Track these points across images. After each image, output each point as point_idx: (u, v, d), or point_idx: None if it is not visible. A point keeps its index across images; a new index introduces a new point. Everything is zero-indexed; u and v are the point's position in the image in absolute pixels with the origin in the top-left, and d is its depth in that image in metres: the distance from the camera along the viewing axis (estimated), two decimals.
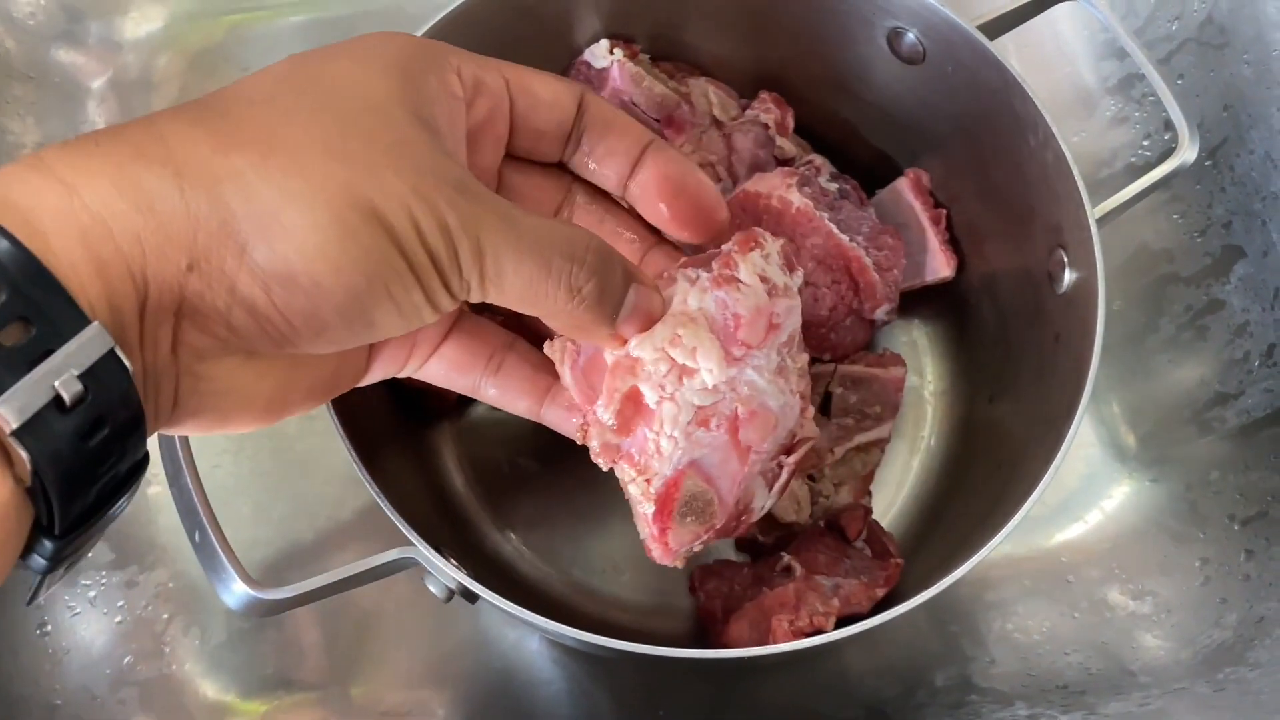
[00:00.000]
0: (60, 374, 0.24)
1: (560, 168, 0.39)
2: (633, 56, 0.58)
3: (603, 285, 0.33)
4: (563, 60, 0.58)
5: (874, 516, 0.56)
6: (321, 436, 0.60)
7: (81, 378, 0.24)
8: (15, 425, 0.23)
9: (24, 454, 0.24)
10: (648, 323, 0.36)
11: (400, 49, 0.32)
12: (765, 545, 0.55)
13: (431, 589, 0.44)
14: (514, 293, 0.32)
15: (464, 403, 0.59)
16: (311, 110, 0.29)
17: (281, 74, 0.30)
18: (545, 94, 0.36)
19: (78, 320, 0.24)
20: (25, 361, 0.24)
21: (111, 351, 0.25)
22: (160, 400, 0.28)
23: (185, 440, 0.43)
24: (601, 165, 0.38)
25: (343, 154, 0.28)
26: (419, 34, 0.50)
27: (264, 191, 0.27)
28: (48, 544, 0.26)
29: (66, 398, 0.24)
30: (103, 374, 0.25)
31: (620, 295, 0.34)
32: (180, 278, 0.26)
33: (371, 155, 0.29)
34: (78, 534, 0.27)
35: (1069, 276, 0.49)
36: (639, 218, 0.40)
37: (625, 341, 0.36)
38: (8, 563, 0.25)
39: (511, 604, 0.41)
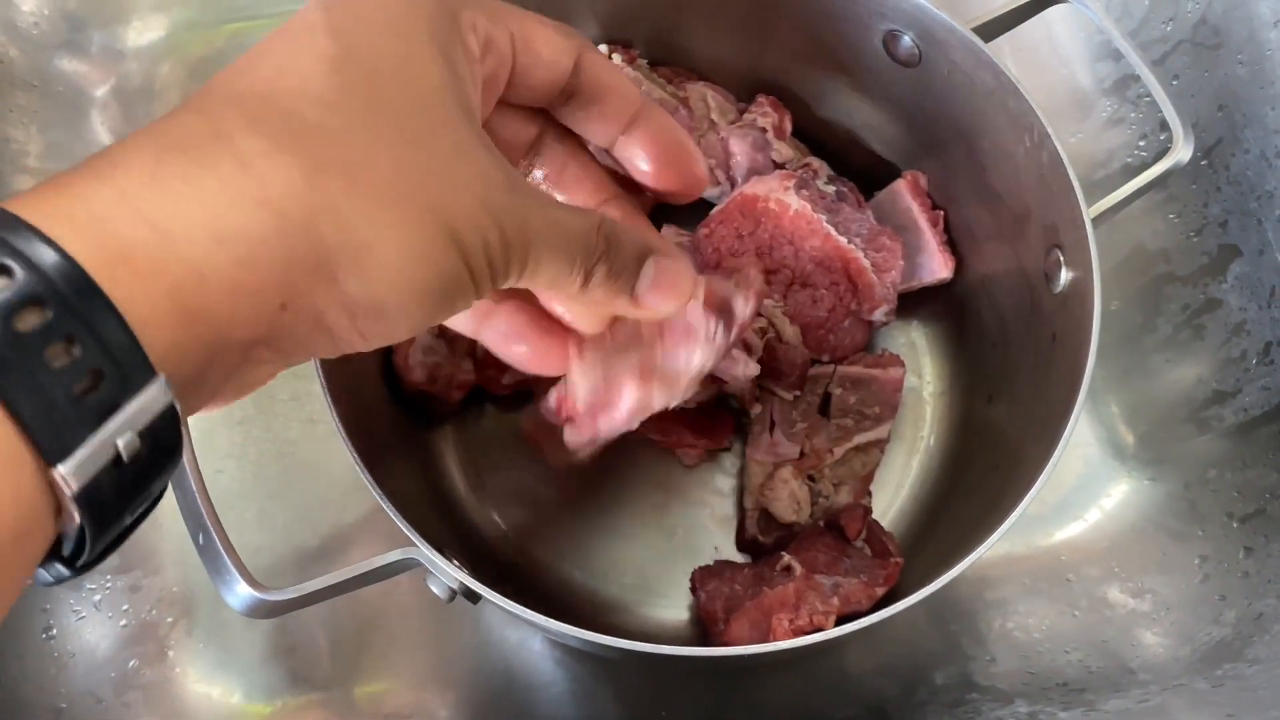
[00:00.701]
0: (123, 433, 0.23)
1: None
2: (631, 61, 0.58)
3: (611, 266, 0.33)
4: None
5: (874, 516, 0.56)
6: (324, 441, 0.60)
7: (140, 434, 0.24)
8: (76, 489, 0.23)
9: (75, 512, 0.23)
10: (675, 290, 0.36)
11: (429, 10, 0.31)
12: (765, 545, 0.56)
13: (434, 589, 0.44)
14: (540, 283, 0.32)
15: (466, 405, 0.59)
16: (372, 116, 0.28)
17: (325, 55, 0.29)
18: (546, 52, 0.35)
19: (146, 374, 0.24)
20: (94, 417, 0.23)
21: (171, 405, 0.24)
22: (198, 404, 0.28)
23: (190, 444, 0.44)
24: (591, 124, 0.37)
25: (417, 173, 0.28)
26: None
27: (357, 223, 0.27)
28: (63, 569, 0.26)
29: (125, 456, 0.24)
30: (159, 428, 0.24)
31: (632, 272, 0.35)
32: (272, 316, 0.26)
33: (440, 168, 0.29)
34: (94, 561, 0.26)
35: (1065, 276, 0.49)
36: (600, 166, 0.40)
37: (647, 307, 0.36)
38: (20, 585, 0.25)
39: (513, 603, 0.42)
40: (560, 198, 0.39)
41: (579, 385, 0.41)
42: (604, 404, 0.41)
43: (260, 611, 0.42)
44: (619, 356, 0.40)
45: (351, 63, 0.29)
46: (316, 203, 0.26)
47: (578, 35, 0.36)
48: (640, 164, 0.38)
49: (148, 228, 0.24)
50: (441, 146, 0.29)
